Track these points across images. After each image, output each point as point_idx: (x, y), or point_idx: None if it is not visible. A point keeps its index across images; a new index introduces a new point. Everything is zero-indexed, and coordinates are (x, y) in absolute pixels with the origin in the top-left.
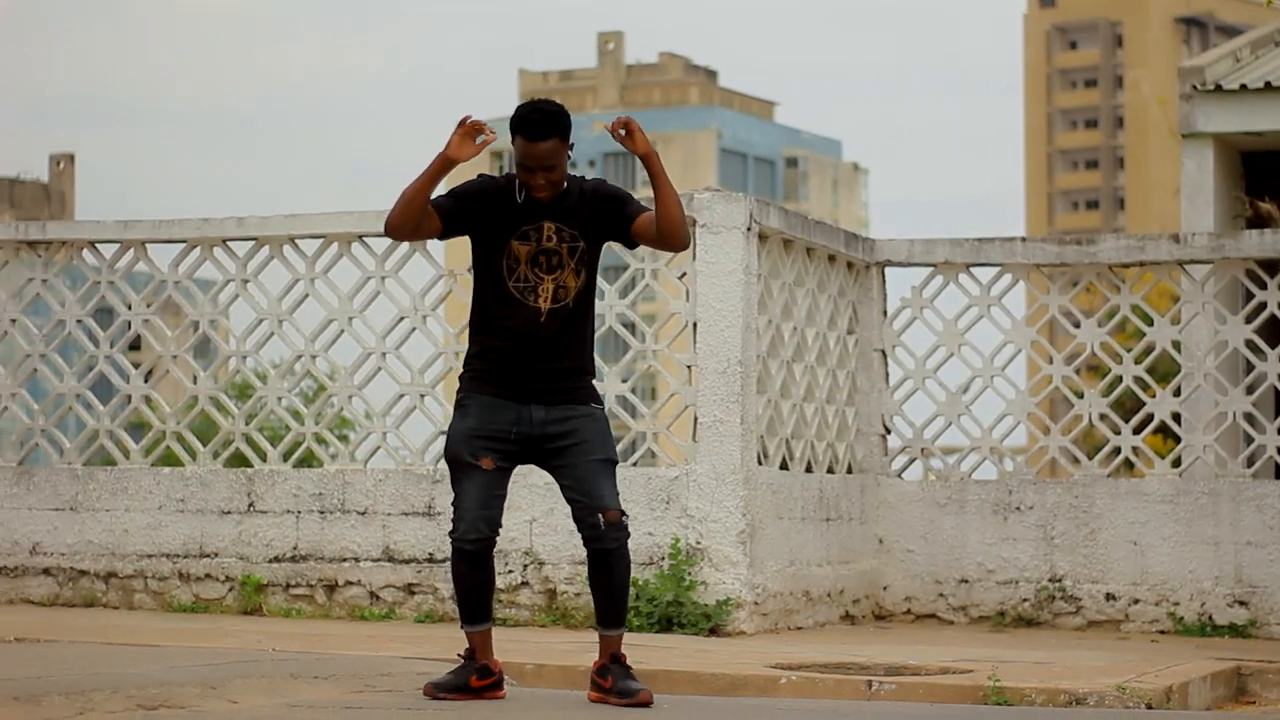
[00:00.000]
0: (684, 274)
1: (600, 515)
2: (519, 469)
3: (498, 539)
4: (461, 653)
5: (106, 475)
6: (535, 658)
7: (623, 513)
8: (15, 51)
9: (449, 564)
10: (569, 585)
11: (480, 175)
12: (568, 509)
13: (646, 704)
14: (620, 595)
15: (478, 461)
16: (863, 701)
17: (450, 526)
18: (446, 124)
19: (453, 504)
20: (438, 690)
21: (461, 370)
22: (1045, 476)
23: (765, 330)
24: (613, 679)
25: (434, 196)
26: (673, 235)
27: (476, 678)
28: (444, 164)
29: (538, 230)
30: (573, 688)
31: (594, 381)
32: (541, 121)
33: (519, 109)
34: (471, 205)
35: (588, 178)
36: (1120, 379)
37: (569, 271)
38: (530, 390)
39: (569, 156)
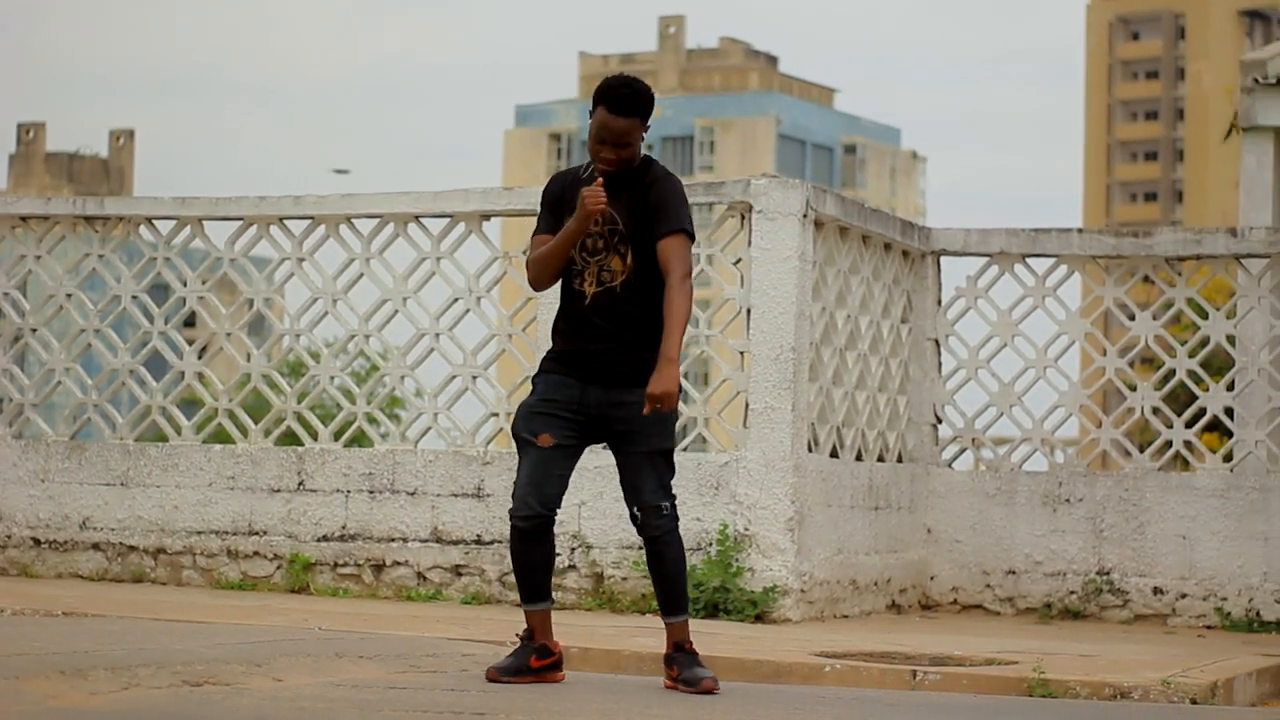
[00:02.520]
0: (739, 260)
1: (637, 507)
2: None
3: (554, 517)
4: (520, 633)
5: (158, 451)
6: (581, 641)
7: (661, 504)
8: (78, 27)
9: (502, 544)
10: (616, 569)
11: (554, 177)
12: (615, 493)
13: (710, 691)
14: (674, 582)
15: (534, 438)
16: (907, 691)
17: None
18: (506, 104)
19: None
20: (500, 674)
21: None
22: (1096, 469)
23: (819, 317)
24: (679, 668)
25: (539, 229)
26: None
27: (536, 658)
28: (586, 219)
29: None
30: (617, 671)
31: None
32: (629, 98)
33: (607, 81)
34: (560, 209)
35: (659, 166)
36: (1174, 372)
37: (612, 255)
38: (591, 371)
39: (643, 137)
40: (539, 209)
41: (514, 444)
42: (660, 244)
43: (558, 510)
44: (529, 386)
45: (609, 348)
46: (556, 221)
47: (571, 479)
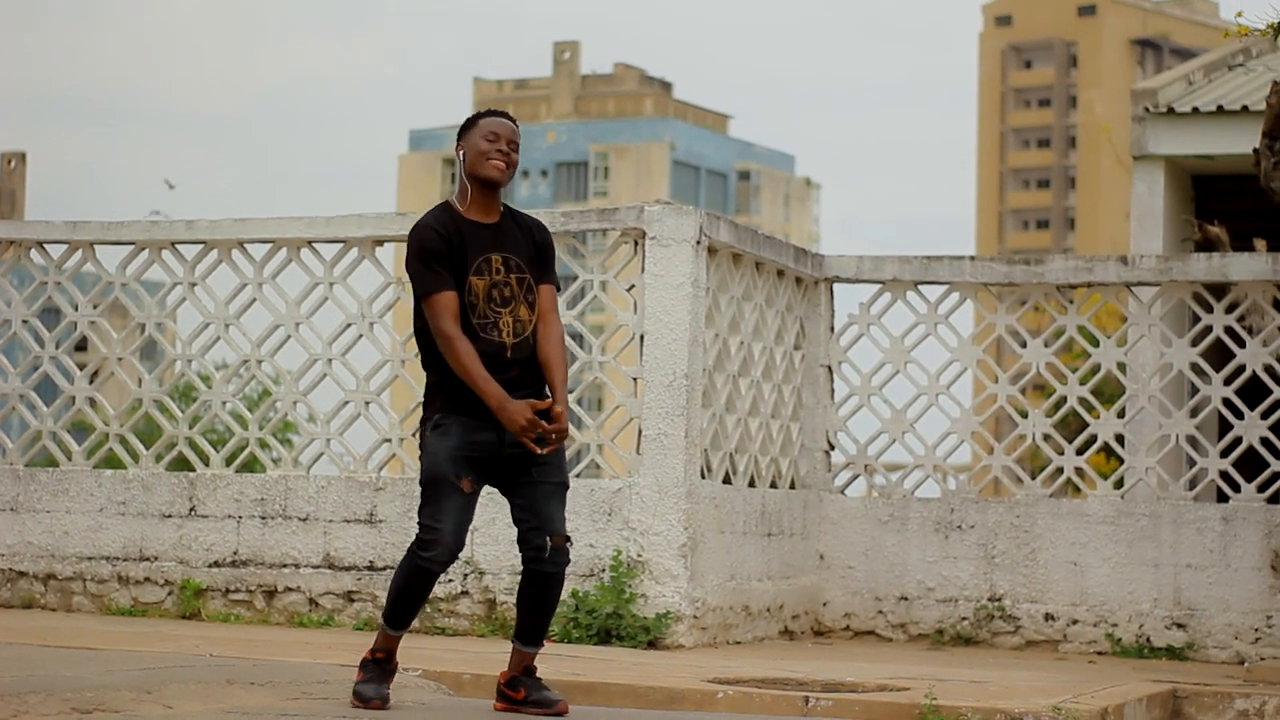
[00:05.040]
0: (632, 286)
1: (548, 538)
2: None
3: None
4: (380, 655)
5: (48, 476)
6: (473, 667)
7: (568, 538)
8: None
9: (395, 570)
10: (509, 595)
11: (426, 229)
12: (508, 519)
13: (563, 714)
14: (549, 616)
15: (459, 483)
16: (799, 717)
17: (418, 542)
18: (400, 129)
19: (424, 522)
20: (385, 704)
21: (430, 394)
22: (988, 495)
23: (712, 344)
24: (526, 690)
25: (443, 286)
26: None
27: (391, 680)
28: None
29: (487, 263)
30: None
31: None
32: (506, 113)
33: (477, 113)
34: (451, 255)
35: (524, 213)
36: (1065, 399)
37: (521, 304)
38: None
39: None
40: (424, 266)
41: (423, 478)
42: (544, 289)
43: None
44: (421, 412)
45: (527, 394)
46: (451, 268)
47: None
